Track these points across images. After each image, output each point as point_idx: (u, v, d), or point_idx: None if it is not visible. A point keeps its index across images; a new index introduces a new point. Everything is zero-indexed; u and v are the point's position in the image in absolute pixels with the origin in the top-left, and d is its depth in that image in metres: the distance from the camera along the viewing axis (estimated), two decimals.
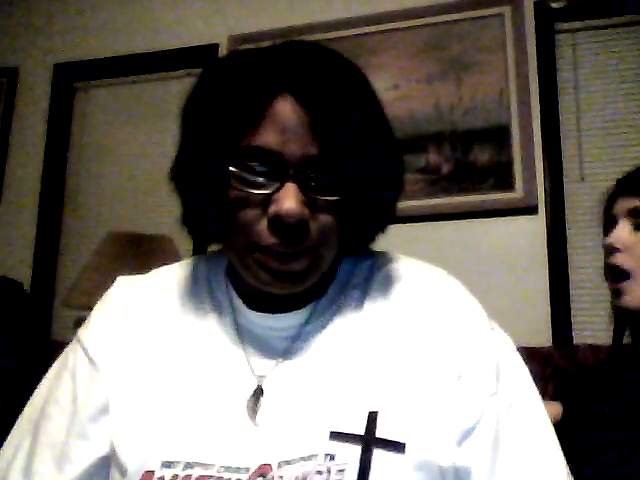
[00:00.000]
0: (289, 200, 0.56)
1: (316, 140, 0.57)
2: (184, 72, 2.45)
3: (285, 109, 0.57)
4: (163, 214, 2.34)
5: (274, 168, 0.58)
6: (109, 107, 2.59)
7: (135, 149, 2.49)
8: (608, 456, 0.95)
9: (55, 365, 0.69)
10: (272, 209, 0.57)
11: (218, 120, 0.58)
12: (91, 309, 0.71)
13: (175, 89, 2.46)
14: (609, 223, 1.11)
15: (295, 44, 0.62)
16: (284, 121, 0.57)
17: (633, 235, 1.05)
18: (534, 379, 0.65)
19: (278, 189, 0.57)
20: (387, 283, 0.67)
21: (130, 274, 0.73)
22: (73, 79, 2.61)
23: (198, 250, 2.03)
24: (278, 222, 0.57)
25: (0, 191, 2.58)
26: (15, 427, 0.66)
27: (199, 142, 0.60)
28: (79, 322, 0.72)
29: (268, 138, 0.57)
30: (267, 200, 0.58)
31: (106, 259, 1.88)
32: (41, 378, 0.69)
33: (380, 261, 0.70)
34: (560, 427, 0.64)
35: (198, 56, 2.42)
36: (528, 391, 0.64)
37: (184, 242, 2.00)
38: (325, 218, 0.59)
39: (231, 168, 0.58)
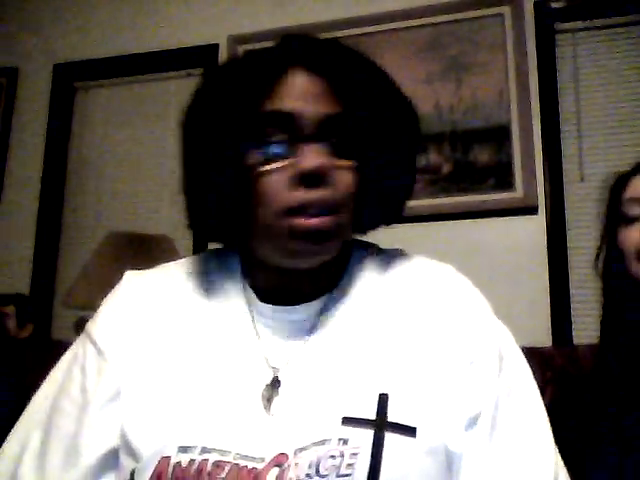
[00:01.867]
0: (308, 156, 0.59)
1: (332, 102, 0.61)
2: (184, 72, 2.45)
3: (298, 78, 0.61)
4: (163, 214, 2.33)
5: (293, 132, 0.60)
6: (109, 107, 2.58)
7: (135, 149, 2.49)
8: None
9: (64, 360, 0.69)
10: (295, 169, 0.59)
11: (234, 97, 0.60)
12: (91, 309, 0.71)
13: (175, 89, 2.46)
14: (618, 219, 1.02)
15: (304, 35, 0.65)
16: (298, 88, 0.61)
17: None
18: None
19: (299, 150, 0.60)
20: (398, 275, 0.69)
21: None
22: (73, 79, 2.61)
23: (198, 250, 2.03)
24: (303, 179, 0.59)
25: (0, 191, 2.58)
26: (20, 422, 0.66)
27: (216, 125, 0.61)
28: (79, 322, 0.72)
29: (284, 103, 0.60)
30: (290, 165, 0.60)
31: (106, 259, 1.88)
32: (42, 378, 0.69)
33: (391, 255, 0.72)
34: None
35: (198, 56, 2.42)
36: (527, 381, 0.66)
37: (184, 242, 2.00)
38: (346, 178, 0.61)
39: (251, 141, 0.60)
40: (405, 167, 0.68)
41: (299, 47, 0.62)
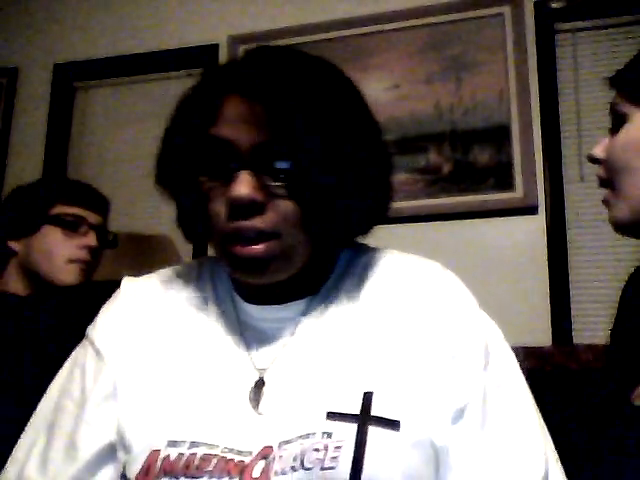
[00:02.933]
0: (239, 185, 0.60)
1: (266, 128, 0.60)
2: (184, 72, 2.45)
3: (234, 106, 0.62)
4: (163, 214, 2.33)
5: (229, 157, 0.61)
6: (109, 107, 2.58)
7: (135, 149, 2.49)
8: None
9: (67, 364, 0.72)
10: (227, 196, 0.61)
11: (183, 123, 0.65)
12: None
13: (175, 89, 2.45)
14: None
15: (259, 50, 0.66)
16: (234, 115, 0.61)
17: (609, 139, 0.84)
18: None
19: (234, 177, 0.60)
20: (383, 273, 0.70)
21: (130, 274, 0.76)
22: (73, 79, 2.61)
23: (198, 250, 2.03)
24: (233, 208, 0.61)
25: (0, 191, 2.58)
26: (29, 424, 0.69)
27: (174, 147, 0.66)
28: None
29: (220, 130, 0.61)
30: (226, 189, 0.61)
31: (106, 259, 1.88)
32: None
33: (377, 254, 0.73)
34: None
35: (198, 56, 2.42)
36: (515, 375, 0.66)
37: (184, 242, 2.00)
38: (284, 204, 0.61)
39: (198, 166, 0.63)
40: (364, 182, 0.64)
41: (236, 74, 0.63)
